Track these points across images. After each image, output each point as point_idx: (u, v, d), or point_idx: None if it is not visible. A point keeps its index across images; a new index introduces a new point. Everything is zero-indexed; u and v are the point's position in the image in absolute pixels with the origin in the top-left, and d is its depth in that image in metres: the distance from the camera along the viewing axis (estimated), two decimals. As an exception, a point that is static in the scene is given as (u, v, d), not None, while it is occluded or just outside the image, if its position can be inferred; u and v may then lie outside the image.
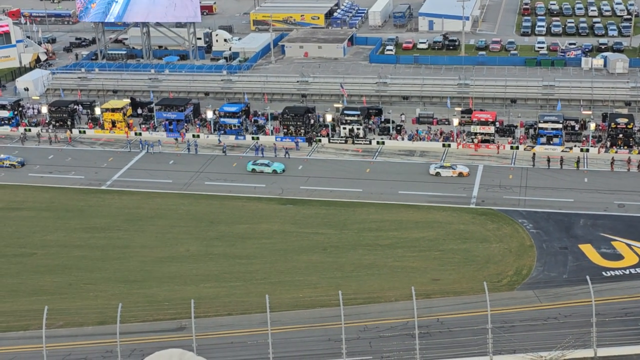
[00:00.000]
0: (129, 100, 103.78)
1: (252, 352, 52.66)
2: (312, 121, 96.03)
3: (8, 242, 72.54)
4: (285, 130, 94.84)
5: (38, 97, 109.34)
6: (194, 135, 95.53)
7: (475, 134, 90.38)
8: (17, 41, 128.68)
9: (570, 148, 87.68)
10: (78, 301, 61.40)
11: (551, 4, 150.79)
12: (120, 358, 49.39)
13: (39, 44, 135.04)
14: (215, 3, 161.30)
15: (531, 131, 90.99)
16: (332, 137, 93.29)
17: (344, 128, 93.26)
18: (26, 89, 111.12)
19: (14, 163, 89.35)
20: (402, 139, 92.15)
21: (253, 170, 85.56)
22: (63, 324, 57.80)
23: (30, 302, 61.12)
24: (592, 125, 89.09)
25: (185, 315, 54.34)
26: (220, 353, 52.38)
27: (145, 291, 62.79)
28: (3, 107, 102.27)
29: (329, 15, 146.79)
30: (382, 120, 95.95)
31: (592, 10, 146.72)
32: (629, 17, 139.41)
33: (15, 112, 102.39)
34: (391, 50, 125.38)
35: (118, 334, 49.30)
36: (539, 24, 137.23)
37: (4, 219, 77.20)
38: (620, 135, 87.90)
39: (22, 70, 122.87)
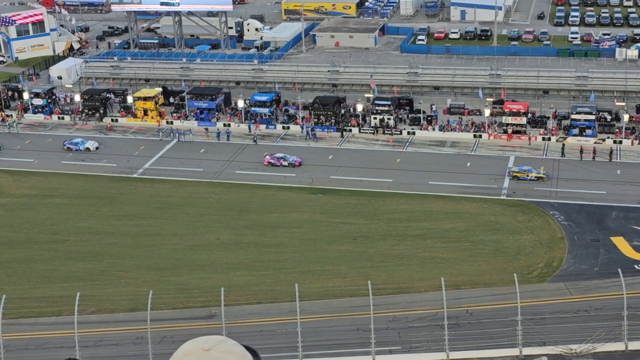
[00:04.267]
0: (160, 89, 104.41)
1: (281, 340, 52.89)
2: (342, 111, 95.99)
3: (41, 228, 73.44)
4: (316, 120, 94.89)
5: (71, 86, 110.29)
6: (225, 124, 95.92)
7: (507, 124, 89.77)
8: (51, 30, 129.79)
9: (603, 140, 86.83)
10: (109, 288, 62.06)
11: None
12: (151, 344, 49.85)
13: (73, 32, 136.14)
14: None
15: (564, 122, 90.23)
16: (362, 127, 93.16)
17: (375, 118, 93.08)
18: (59, 77, 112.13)
19: (540, 175, 78.47)
20: (433, 129, 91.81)
21: None
22: (95, 310, 58.47)
23: (63, 288, 61.87)
24: (626, 117, 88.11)
25: (215, 303, 54.67)
26: (249, 341, 52.30)
27: (176, 279, 63.31)
28: (37, 95, 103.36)
29: (360, 4, 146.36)
30: (408, 113, 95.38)
31: (627, 0, 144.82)
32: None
33: (49, 100, 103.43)
34: (423, 40, 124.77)
35: (149, 320, 49.74)
36: (573, 14, 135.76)
37: (37, 205, 78.13)
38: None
39: (55, 59, 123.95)
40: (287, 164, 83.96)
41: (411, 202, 74.92)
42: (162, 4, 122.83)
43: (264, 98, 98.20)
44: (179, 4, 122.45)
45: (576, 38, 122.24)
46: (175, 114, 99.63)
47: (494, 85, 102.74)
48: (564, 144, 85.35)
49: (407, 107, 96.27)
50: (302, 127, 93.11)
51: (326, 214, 73.63)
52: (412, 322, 54.51)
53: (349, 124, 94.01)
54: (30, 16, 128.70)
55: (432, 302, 54.95)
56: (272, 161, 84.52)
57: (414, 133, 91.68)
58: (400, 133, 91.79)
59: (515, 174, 79.24)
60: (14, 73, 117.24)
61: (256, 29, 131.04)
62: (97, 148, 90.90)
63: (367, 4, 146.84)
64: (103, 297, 59.91)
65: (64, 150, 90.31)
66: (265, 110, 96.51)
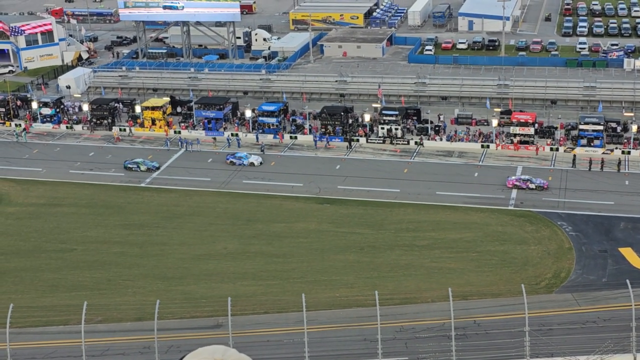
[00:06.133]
0: (168, 99, 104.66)
1: (288, 350, 52.84)
2: (350, 121, 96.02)
3: (49, 237, 73.56)
4: (324, 130, 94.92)
5: (79, 95, 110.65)
6: (232, 134, 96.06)
7: (515, 135, 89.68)
8: (60, 39, 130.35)
9: (612, 150, 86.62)
10: (117, 297, 62.10)
11: (593, 4, 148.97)
12: (158, 354, 49.82)
13: (81, 42, 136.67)
14: (254, 2, 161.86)
15: (572, 133, 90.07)
16: (370, 137, 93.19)
17: (382, 128, 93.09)
18: (68, 87, 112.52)
19: None
20: (441, 139, 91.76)
21: None
22: (102, 319, 58.50)
23: (70, 297, 61.94)
24: (634, 127, 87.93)
25: (222, 312, 54.64)
26: (256, 351, 52.61)
27: (183, 288, 63.32)
28: (45, 104, 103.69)
29: (368, 14, 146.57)
30: (416, 123, 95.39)
31: (635, 11, 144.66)
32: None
33: (57, 110, 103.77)
34: (430, 50, 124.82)
35: (155, 330, 49.74)
36: (581, 24, 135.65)
37: (45, 214, 78.28)
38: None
39: (64, 68, 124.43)
40: (534, 187, 78.86)
41: (418, 212, 74.84)
42: (165, 7, 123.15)
43: (271, 108, 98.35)
44: (183, 7, 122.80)
45: (584, 48, 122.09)
46: (183, 124, 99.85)
47: (501, 95, 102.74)
48: (574, 155, 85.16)
49: (415, 117, 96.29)
50: (317, 138, 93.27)
51: (333, 223, 73.60)
52: (419, 333, 54.40)
53: (357, 134, 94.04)
54: (40, 26, 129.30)
55: (440, 312, 54.82)
56: (518, 183, 79.49)
57: (421, 143, 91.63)
58: (408, 143, 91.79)
59: None
60: (23, 82, 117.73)
61: (264, 39, 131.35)
62: (261, 163, 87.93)
63: (374, 14, 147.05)
64: (110, 307, 59.95)
65: (227, 164, 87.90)
66: (272, 120, 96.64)
